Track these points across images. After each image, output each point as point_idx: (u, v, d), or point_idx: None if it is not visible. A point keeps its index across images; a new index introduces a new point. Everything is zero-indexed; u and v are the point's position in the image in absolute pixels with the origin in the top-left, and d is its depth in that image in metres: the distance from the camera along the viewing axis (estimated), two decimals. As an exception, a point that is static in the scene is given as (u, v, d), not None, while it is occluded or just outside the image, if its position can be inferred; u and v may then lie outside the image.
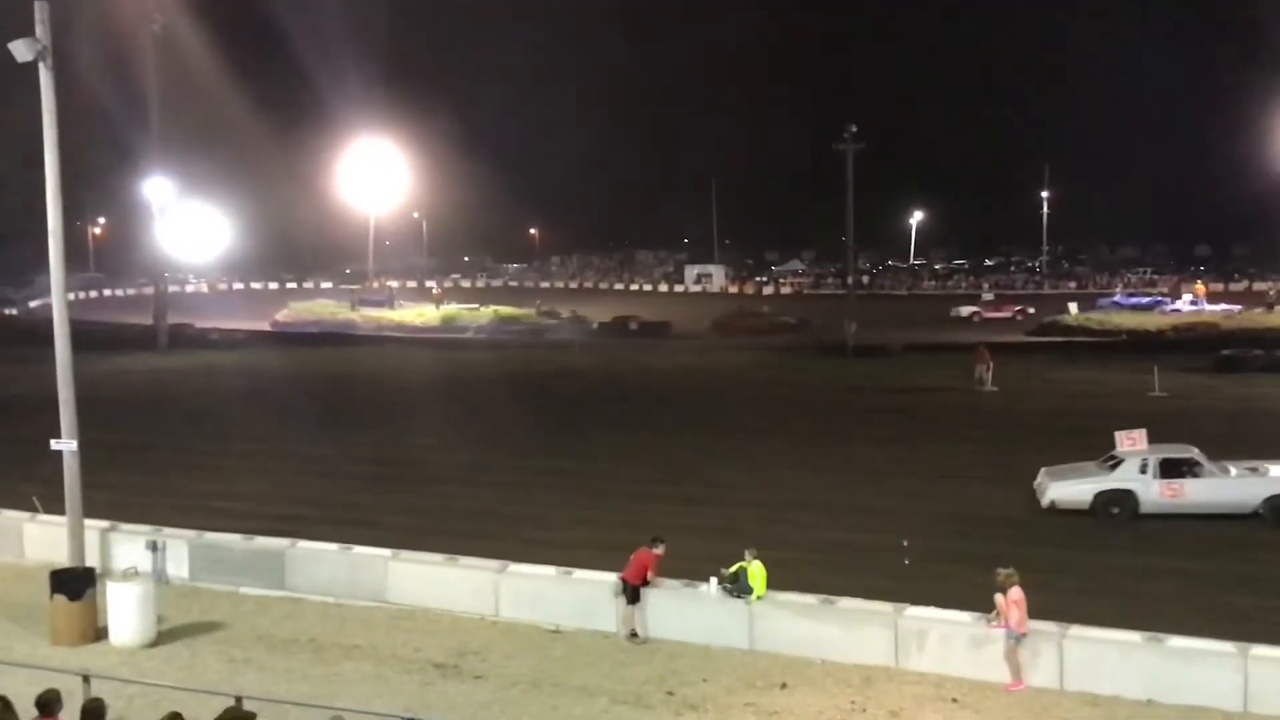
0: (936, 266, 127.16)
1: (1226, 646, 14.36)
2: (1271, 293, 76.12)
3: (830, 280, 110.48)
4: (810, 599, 16.53)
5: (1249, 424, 33.84)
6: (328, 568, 19.22)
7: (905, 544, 15.77)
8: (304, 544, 19.89)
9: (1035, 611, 15.12)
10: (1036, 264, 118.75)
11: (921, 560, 20.01)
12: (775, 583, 16.74)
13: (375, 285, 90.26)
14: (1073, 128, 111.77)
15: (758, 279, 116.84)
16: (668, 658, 16.16)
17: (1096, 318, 66.97)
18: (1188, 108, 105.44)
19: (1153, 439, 23.23)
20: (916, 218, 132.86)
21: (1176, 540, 21.61)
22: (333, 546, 19.71)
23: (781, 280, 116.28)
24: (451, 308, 78.70)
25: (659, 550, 17.04)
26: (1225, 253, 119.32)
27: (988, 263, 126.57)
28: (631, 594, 16.88)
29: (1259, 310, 68.05)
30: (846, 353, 55.60)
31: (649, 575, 16.92)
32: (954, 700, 14.55)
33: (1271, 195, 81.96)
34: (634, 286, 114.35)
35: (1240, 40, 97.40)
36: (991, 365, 42.27)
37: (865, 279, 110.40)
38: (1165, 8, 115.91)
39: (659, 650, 16.43)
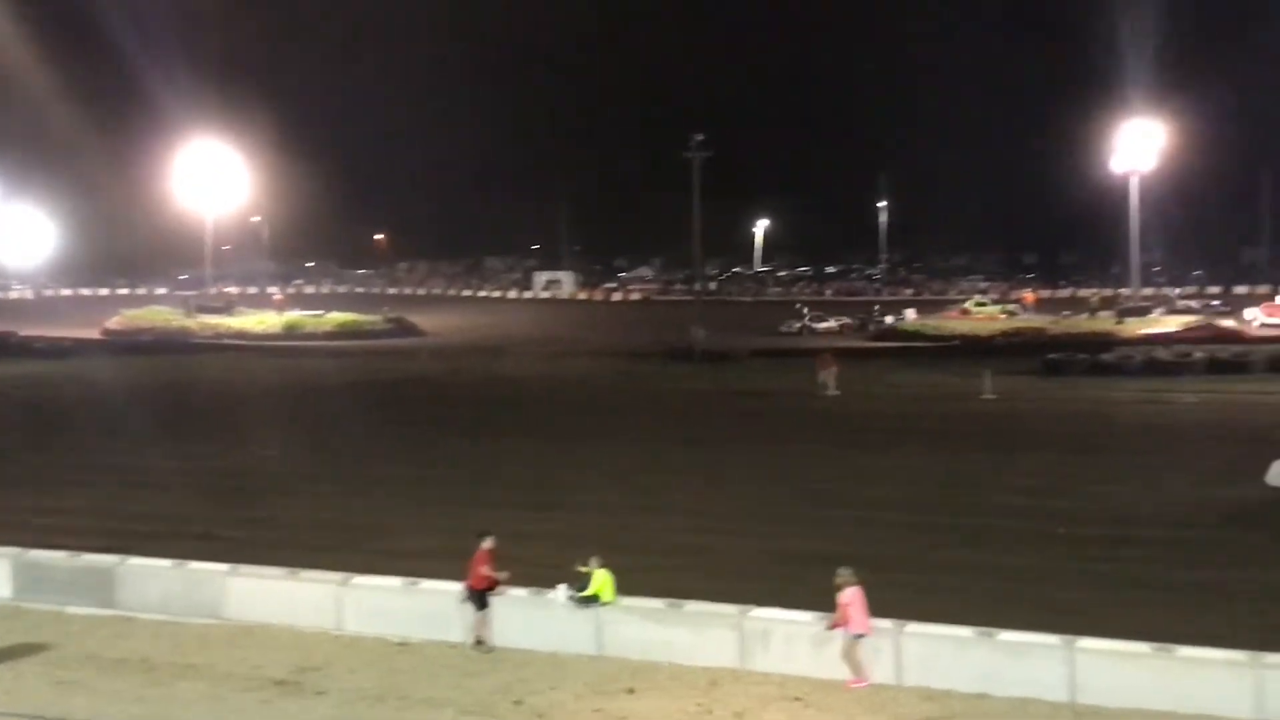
0: (781, 273, 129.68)
1: (1053, 639, 14.94)
2: (1094, 299, 79.90)
3: (678, 286, 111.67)
4: (657, 603, 16.63)
5: (1076, 424, 35.48)
6: (161, 584, 18.50)
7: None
8: (135, 560, 19.11)
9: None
10: (875, 272, 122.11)
11: (766, 561, 20.38)
12: (627, 588, 16.80)
13: (213, 292, 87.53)
14: (907, 139, 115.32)
15: (606, 285, 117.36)
16: (516, 666, 16.06)
17: (931, 324, 69.31)
18: (1016, 120, 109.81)
19: (986, 439, 24.14)
20: (762, 225, 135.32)
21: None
22: (166, 562, 18.99)
23: (630, 286, 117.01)
24: (294, 314, 76.97)
25: (487, 544, 16.82)
26: (1052, 260, 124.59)
27: (829, 270, 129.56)
28: (478, 601, 16.72)
29: (1083, 316, 71.42)
30: (694, 359, 56.35)
31: (484, 571, 16.69)
32: (797, 699, 14.81)
33: (1094, 204, 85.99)
34: (482, 293, 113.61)
35: (1064, 54, 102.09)
36: (835, 370, 43.30)
37: (713, 285, 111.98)
38: (994, 22, 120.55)
39: (507, 659, 16.32)
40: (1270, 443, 30.32)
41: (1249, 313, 67.89)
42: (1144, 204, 73.56)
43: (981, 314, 71.84)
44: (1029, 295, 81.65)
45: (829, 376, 43.07)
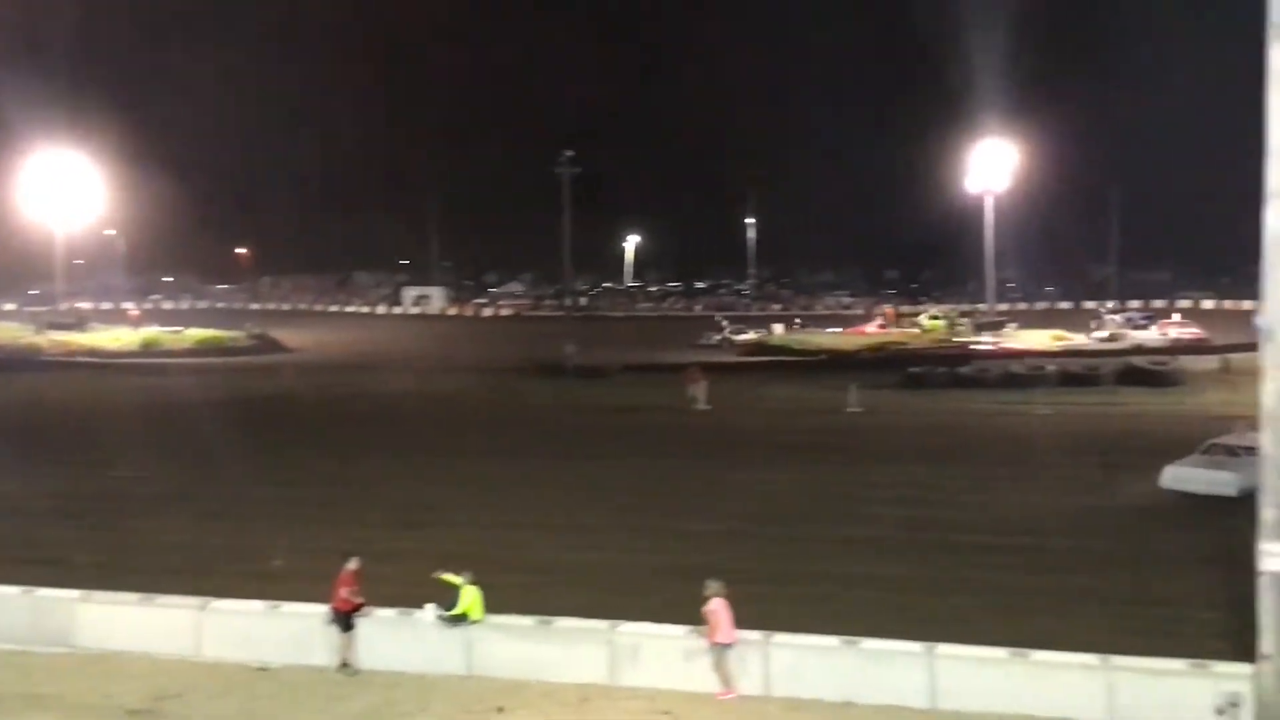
0: (652, 289, 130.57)
1: (914, 646, 15.29)
2: (953, 314, 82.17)
3: (549, 302, 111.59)
4: (527, 620, 16.53)
5: (941, 436, 36.38)
6: (7, 612, 17.74)
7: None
8: (-21, 588, 18.29)
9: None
10: (744, 287, 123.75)
11: (638, 576, 20.44)
12: (498, 605, 16.64)
13: (65, 307, 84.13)
14: (774, 158, 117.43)
15: (477, 301, 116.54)
16: (383, 688, 15.78)
17: (798, 338, 70.51)
18: (879, 141, 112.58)
19: (855, 451, 24.71)
20: (632, 241, 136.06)
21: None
22: (13, 589, 18.20)
23: (501, 302, 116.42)
24: (152, 330, 74.55)
25: (352, 565, 16.57)
26: (913, 277, 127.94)
27: (699, 285, 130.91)
28: (343, 623, 16.39)
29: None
30: (566, 374, 56.21)
31: (344, 593, 16.38)
32: (666, 713, 14.86)
33: (952, 222, 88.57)
34: (350, 309, 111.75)
35: (924, 77, 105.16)
36: (705, 385, 43.66)
37: (583, 300, 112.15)
38: (856, 46, 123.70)
39: (374, 681, 16.02)
40: (1121, 451, 31.77)
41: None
42: (999, 222, 76.11)
43: (931, 329, 73.88)
44: (890, 310, 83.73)
45: (698, 390, 43.43)
